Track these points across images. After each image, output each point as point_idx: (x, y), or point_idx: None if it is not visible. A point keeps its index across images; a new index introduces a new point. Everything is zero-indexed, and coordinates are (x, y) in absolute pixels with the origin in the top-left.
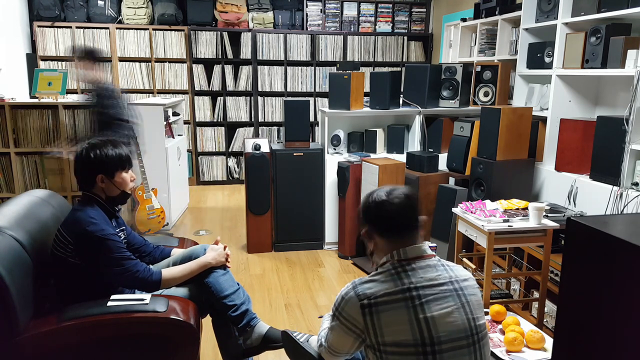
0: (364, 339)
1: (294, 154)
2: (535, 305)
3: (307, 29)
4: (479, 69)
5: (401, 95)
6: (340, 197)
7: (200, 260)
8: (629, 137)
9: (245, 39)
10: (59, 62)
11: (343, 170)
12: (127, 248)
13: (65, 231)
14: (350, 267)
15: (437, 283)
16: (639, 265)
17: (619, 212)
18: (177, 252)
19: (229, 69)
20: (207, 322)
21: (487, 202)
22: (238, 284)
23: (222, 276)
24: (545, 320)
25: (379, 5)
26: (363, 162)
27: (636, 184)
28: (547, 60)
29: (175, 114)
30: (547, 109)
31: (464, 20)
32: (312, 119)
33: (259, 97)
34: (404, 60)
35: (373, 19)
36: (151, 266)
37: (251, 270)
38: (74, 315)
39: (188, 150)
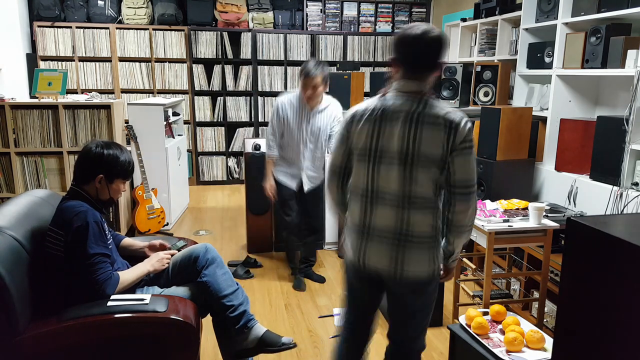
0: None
1: None
2: (535, 305)
3: (307, 29)
4: (479, 69)
5: None
6: None
7: (140, 269)
8: (629, 137)
9: (245, 39)
10: (59, 62)
11: None
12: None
13: (55, 226)
14: None
15: (399, 110)
16: (639, 265)
17: (619, 212)
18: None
19: (229, 69)
20: (207, 322)
21: (487, 202)
22: (237, 284)
23: (222, 276)
24: (545, 320)
25: (379, 5)
26: None
27: (636, 184)
28: (547, 60)
29: (175, 114)
30: (547, 109)
31: (464, 20)
32: None
33: (259, 97)
34: None
35: (373, 19)
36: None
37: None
38: (74, 315)
39: (188, 150)
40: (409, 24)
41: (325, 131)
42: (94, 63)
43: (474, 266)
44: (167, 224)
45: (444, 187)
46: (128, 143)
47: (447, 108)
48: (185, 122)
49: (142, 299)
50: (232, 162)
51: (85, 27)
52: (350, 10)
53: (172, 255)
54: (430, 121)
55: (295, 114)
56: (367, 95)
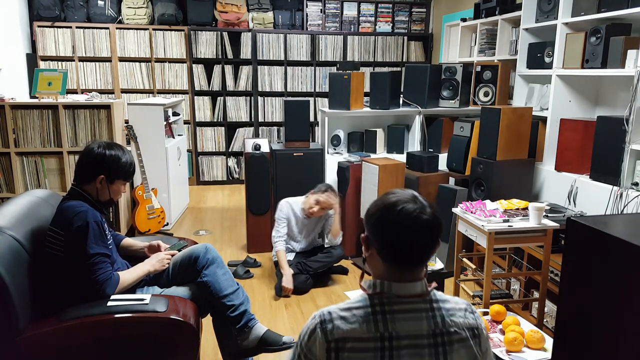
0: None
1: (294, 154)
2: (535, 305)
3: (307, 29)
4: (479, 69)
5: (401, 95)
6: (340, 197)
7: (140, 269)
8: (629, 137)
9: (245, 39)
10: (59, 62)
11: (343, 171)
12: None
13: (55, 226)
14: (350, 268)
15: (416, 334)
16: (639, 265)
17: (619, 212)
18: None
19: (229, 69)
20: (207, 322)
21: (487, 202)
22: (238, 284)
23: (222, 276)
24: (545, 320)
25: (379, 5)
26: (363, 162)
27: (636, 184)
28: (547, 60)
29: (175, 114)
30: (547, 109)
31: (464, 20)
32: (312, 119)
33: (259, 97)
34: (404, 60)
35: (373, 19)
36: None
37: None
38: (74, 315)
39: (188, 150)
40: (393, 194)
41: (320, 225)
42: (94, 63)
43: (474, 266)
44: (167, 224)
45: None
46: (128, 143)
47: (440, 299)
48: (185, 122)
49: (142, 299)
50: (232, 162)
51: (85, 27)
52: (350, 10)
53: (172, 255)
54: (456, 333)
55: (298, 220)
56: (367, 95)
